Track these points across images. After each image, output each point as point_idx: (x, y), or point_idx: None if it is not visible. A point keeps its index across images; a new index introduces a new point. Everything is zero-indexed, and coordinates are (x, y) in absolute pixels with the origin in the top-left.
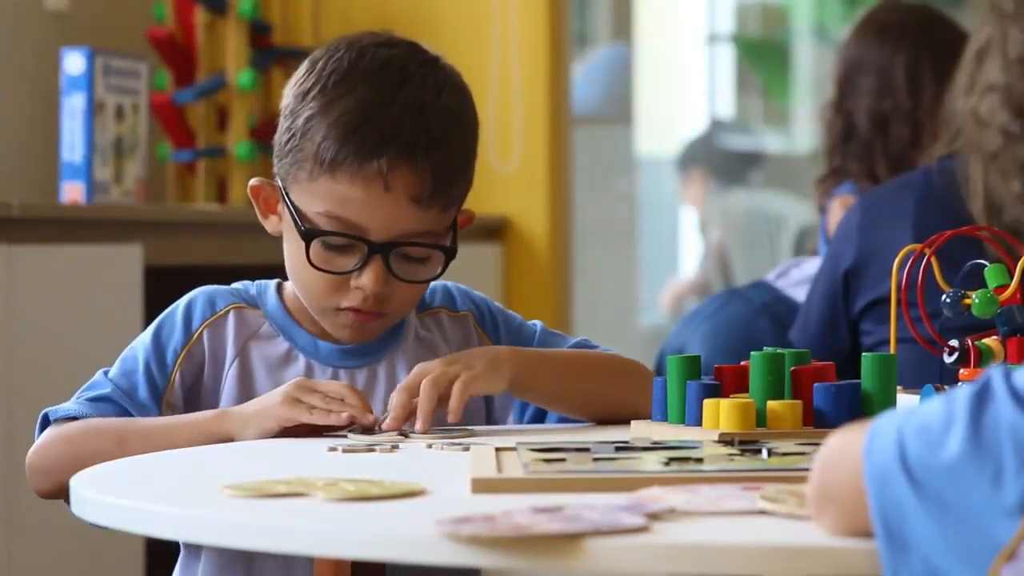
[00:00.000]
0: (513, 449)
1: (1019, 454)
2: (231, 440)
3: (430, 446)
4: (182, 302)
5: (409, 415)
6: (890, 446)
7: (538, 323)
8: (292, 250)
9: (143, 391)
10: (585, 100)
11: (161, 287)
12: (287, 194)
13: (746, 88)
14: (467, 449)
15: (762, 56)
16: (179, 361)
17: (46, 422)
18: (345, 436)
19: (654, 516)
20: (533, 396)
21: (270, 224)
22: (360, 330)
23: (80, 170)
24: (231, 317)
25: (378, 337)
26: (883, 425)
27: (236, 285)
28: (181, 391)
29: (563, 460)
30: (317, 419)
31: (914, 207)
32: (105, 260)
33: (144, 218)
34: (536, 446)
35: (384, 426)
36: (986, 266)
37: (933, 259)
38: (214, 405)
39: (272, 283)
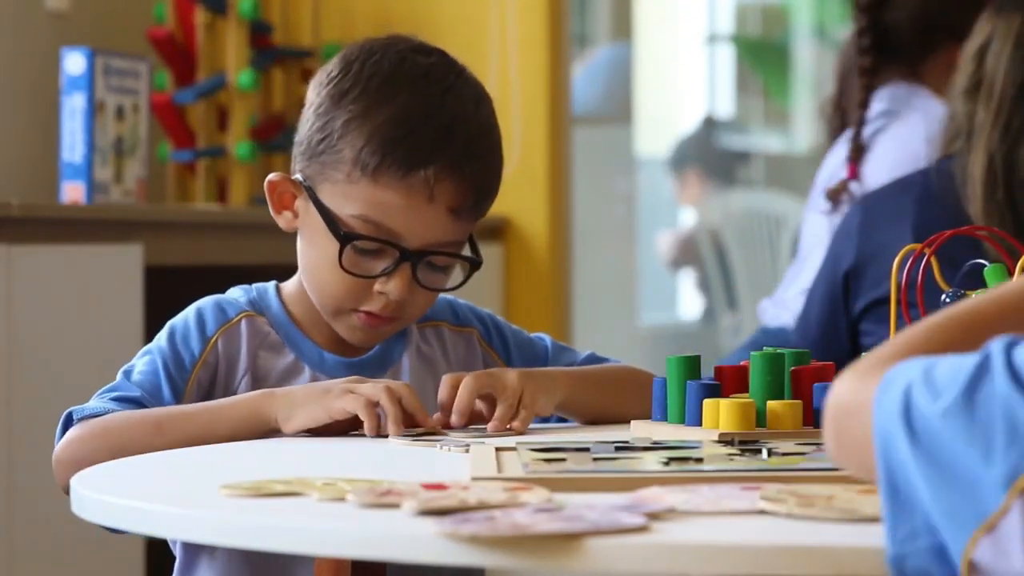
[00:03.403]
0: (513, 449)
1: (1009, 430)
2: (275, 424)
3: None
4: (191, 310)
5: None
6: (896, 400)
7: (546, 337)
8: (314, 250)
9: (167, 393)
10: (585, 100)
11: (161, 287)
12: (315, 194)
13: (746, 88)
14: (467, 449)
15: (762, 56)
16: (196, 368)
17: (69, 421)
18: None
19: (654, 516)
20: (576, 415)
21: (283, 220)
22: (372, 333)
23: (80, 170)
24: (243, 325)
25: (382, 350)
26: (895, 377)
27: (236, 293)
28: (197, 397)
29: (563, 460)
30: (368, 418)
31: (914, 207)
32: (105, 260)
33: (144, 218)
34: (536, 446)
35: (453, 422)
36: (986, 266)
37: (933, 259)
38: None
39: (270, 286)
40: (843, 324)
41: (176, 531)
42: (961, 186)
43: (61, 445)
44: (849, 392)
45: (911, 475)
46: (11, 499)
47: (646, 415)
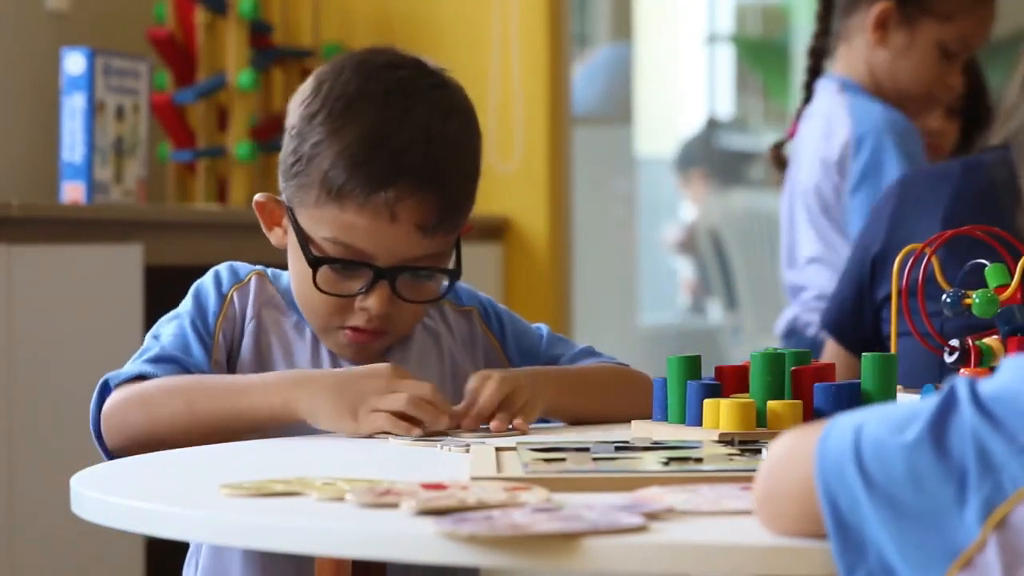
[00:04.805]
0: (513, 449)
1: (980, 462)
2: (301, 419)
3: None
4: (208, 274)
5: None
6: (846, 440)
7: (543, 327)
8: (297, 268)
9: (196, 349)
10: (585, 100)
11: (161, 287)
12: (294, 216)
13: (746, 88)
14: (468, 449)
15: (762, 56)
16: (219, 323)
17: (105, 387)
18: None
19: (653, 516)
20: (560, 419)
21: (274, 237)
22: (362, 349)
23: (80, 170)
24: (253, 281)
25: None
26: (841, 421)
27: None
28: (225, 349)
29: (563, 460)
30: (399, 431)
31: (947, 199)
32: (105, 260)
33: (144, 218)
34: (536, 446)
35: (465, 424)
36: (986, 266)
37: (935, 259)
38: (245, 362)
39: (285, 273)
40: (868, 308)
41: (176, 531)
42: (1012, 175)
43: (105, 411)
44: (786, 446)
45: (863, 514)
46: (11, 499)
47: (635, 417)
